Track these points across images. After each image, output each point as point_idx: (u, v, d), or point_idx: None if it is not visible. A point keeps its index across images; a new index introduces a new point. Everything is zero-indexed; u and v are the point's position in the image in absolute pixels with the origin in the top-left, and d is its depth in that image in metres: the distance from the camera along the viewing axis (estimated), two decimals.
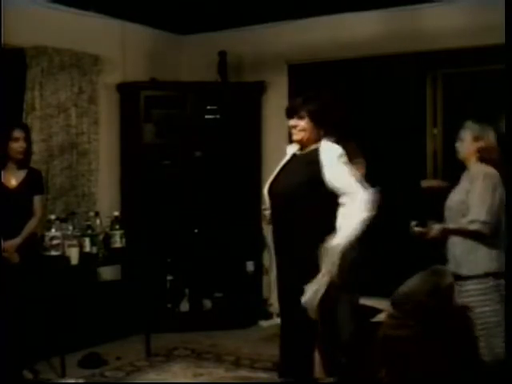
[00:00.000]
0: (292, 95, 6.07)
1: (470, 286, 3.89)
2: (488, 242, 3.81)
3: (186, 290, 5.95)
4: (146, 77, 6.09)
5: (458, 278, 3.87)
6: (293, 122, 3.62)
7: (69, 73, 5.46)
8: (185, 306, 5.93)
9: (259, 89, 6.19)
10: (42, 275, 4.49)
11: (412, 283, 4.50)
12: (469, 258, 3.87)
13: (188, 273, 5.93)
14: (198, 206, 5.96)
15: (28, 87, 5.26)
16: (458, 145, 4.06)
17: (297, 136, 3.63)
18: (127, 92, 6.00)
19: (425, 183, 5.23)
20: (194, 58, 6.50)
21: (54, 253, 4.63)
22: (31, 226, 4.50)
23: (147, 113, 5.89)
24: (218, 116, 6.01)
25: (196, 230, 5.95)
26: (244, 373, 4.72)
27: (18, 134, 4.48)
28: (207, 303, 5.97)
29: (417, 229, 4.16)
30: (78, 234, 4.91)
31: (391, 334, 4.25)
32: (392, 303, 4.47)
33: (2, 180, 4.46)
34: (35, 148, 4.98)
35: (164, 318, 5.68)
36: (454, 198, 4.00)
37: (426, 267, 4.64)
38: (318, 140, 3.62)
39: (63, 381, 4.48)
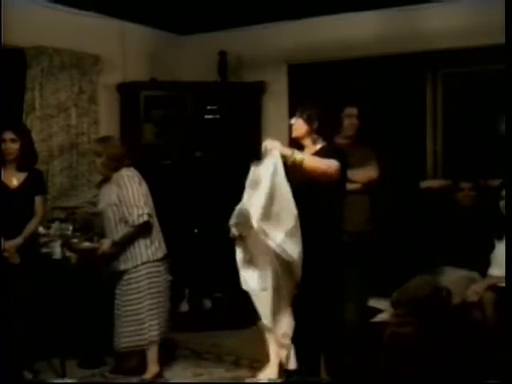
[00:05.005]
0: (292, 95, 6.09)
1: (129, 275, 4.46)
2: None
3: (186, 290, 5.95)
4: (146, 77, 6.09)
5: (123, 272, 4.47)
6: (292, 121, 4.11)
7: (69, 73, 5.47)
8: (185, 306, 5.92)
9: (259, 89, 6.19)
10: (42, 275, 4.49)
11: (413, 284, 4.51)
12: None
13: (188, 273, 5.93)
14: (197, 206, 5.96)
15: (28, 87, 5.26)
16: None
17: (293, 134, 4.11)
18: (127, 92, 6.00)
19: (424, 184, 5.24)
20: (194, 58, 6.50)
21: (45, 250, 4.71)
22: (32, 226, 4.50)
23: (147, 113, 5.89)
24: (217, 116, 6.01)
25: (196, 230, 5.95)
26: (244, 373, 4.72)
27: (6, 135, 4.46)
28: (207, 303, 5.97)
29: (86, 244, 4.69)
30: (78, 233, 4.91)
31: (397, 331, 4.28)
32: (393, 303, 4.49)
33: (4, 180, 4.46)
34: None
35: None
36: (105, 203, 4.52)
37: (426, 267, 4.67)
38: (313, 141, 4.01)
39: (63, 381, 4.49)
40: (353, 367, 4.06)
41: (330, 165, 3.77)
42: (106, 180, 4.57)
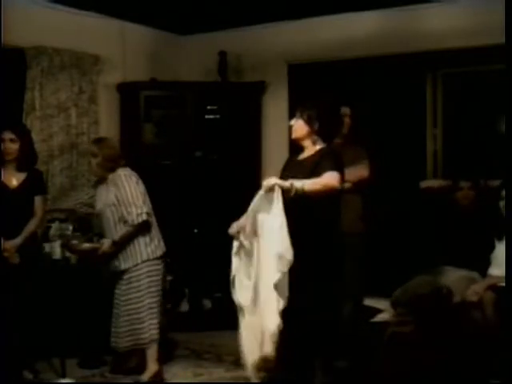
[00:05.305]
0: (292, 95, 6.09)
1: (130, 274, 4.47)
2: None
3: (186, 290, 5.95)
4: (146, 77, 6.10)
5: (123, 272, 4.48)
6: (291, 122, 4.04)
7: (69, 73, 5.47)
8: (185, 306, 5.93)
9: (259, 89, 6.19)
10: (41, 275, 4.49)
11: (413, 284, 4.52)
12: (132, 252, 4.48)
13: (188, 273, 5.93)
14: (198, 206, 5.97)
15: (28, 87, 5.26)
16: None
17: (293, 135, 4.06)
18: (127, 92, 6.00)
19: (424, 184, 5.25)
20: (193, 58, 6.50)
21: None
22: (31, 226, 4.50)
23: (147, 113, 5.89)
24: (218, 116, 6.01)
25: (196, 230, 5.95)
26: (244, 373, 4.71)
27: (5, 135, 4.46)
28: (207, 303, 5.97)
29: (86, 245, 4.65)
30: (78, 234, 4.92)
31: (397, 331, 4.29)
32: (393, 303, 4.49)
33: (3, 180, 4.46)
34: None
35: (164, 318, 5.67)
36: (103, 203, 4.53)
37: (426, 267, 4.68)
38: (313, 142, 3.95)
39: (63, 381, 4.49)
40: (349, 367, 4.05)
41: (329, 181, 3.69)
42: (102, 181, 4.57)
